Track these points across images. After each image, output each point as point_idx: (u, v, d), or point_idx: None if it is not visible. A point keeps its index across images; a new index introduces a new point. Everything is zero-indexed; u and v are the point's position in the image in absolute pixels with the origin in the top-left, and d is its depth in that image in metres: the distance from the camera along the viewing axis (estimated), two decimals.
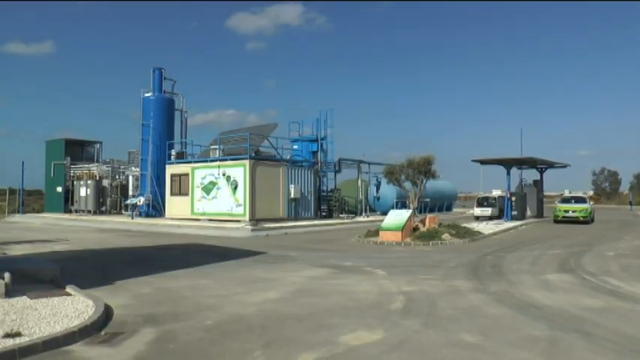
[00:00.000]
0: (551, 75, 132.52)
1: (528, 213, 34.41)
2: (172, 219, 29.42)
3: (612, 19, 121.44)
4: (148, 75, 34.68)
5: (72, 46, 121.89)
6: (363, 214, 37.22)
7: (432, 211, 41.03)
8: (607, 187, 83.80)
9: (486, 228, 24.62)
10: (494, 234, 22.73)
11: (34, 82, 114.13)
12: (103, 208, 36.62)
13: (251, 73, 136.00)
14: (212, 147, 30.86)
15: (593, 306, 8.39)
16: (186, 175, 29.83)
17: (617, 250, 16.70)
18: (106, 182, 37.00)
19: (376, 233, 19.95)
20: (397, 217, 19.91)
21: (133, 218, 30.48)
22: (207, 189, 28.49)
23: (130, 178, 36.60)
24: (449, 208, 46.78)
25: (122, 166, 39.76)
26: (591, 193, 76.04)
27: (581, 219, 29.93)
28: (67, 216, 35.31)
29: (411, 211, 20.42)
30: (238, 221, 26.05)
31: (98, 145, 41.86)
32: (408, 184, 23.00)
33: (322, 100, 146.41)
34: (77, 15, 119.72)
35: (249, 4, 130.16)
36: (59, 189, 38.79)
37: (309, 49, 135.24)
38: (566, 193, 37.54)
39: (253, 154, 27.92)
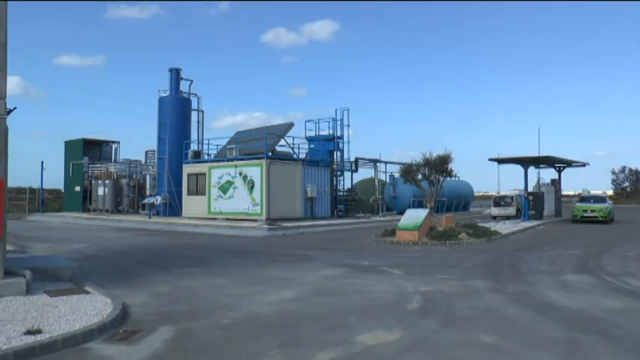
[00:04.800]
0: (568, 75, 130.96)
1: (546, 213, 34.06)
2: (189, 218, 29.64)
3: (628, 17, 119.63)
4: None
5: (118, 58, 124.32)
6: (380, 213, 37.16)
7: (448, 210, 40.88)
8: (627, 187, 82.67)
9: (504, 228, 24.44)
10: (512, 234, 22.55)
11: (64, 86, 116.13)
12: (121, 208, 37.00)
13: (282, 83, 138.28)
14: (229, 146, 31.02)
15: (613, 307, 8.28)
16: (203, 174, 30.02)
17: (638, 250, 16.46)
18: (123, 181, 37.36)
19: (393, 233, 19.89)
20: (414, 216, 19.82)
21: (150, 217, 30.74)
22: (224, 188, 28.63)
23: (147, 177, 36.90)
24: (466, 208, 46.54)
25: (139, 166, 40.09)
26: (610, 192, 75.23)
27: (601, 219, 29.56)
28: (85, 215, 35.72)
29: (427, 210, 20.31)
30: (255, 220, 26.16)
31: (116, 145, 42.39)
32: (424, 184, 22.91)
33: (344, 102, 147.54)
34: (124, 29, 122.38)
35: (286, 20, 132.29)
36: (77, 188, 39.29)
37: (338, 58, 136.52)
38: (585, 193, 37.14)
39: (270, 154, 27.99)
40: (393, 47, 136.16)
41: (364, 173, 41.57)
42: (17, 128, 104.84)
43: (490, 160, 33.25)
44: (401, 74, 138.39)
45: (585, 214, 30.06)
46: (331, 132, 32.72)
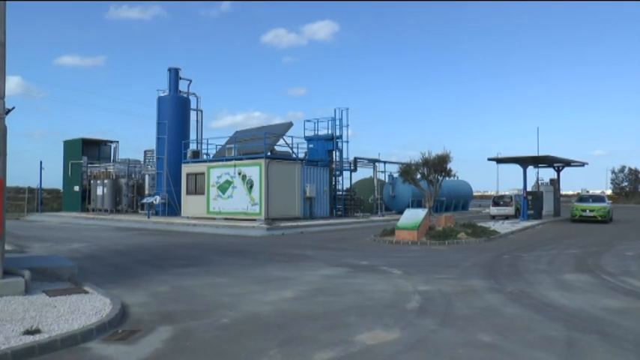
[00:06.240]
0: (567, 75, 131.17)
1: (545, 212, 34.08)
2: (188, 218, 29.63)
3: (628, 17, 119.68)
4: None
5: (118, 58, 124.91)
6: (379, 213, 37.18)
7: (447, 210, 40.93)
8: (626, 186, 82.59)
9: (503, 227, 24.45)
10: (511, 233, 22.57)
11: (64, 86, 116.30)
12: (120, 207, 36.94)
13: (282, 83, 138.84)
14: (228, 146, 31.01)
15: (612, 306, 8.29)
16: (202, 174, 30.00)
17: (636, 250, 16.47)
18: (122, 181, 37.32)
19: (392, 232, 19.89)
20: (413, 216, 19.83)
21: (149, 217, 30.70)
22: (223, 188, 28.62)
23: (146, 177, 36.84)
24: (465, 207, 46.59)
25: (138, 165, 40.06)
26: (609, 192, 75.22)
27: (600, 218, 29.55)
28: (84, 215, 35.68)
29: (426, 210, 20.33)
30: (254, 220, 26.15)
31: (115, 145, 42.36)
32: (423, 183, 22.92)
33: (344, 102, 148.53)
34: (125, 29, 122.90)
35: (287, 21, 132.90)
36: (76, 188, 39.25)
37: (338, 58, 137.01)
38: (584, 192, 37.17)
39: (269, 153, 27.99)
40: (392, 47, 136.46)
41: (363, 173, 41.61)
42: (17, 128, 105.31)
43: (489, 159, 33.37)
44: (400, 74, 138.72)
45: (584, 214, 30.03)
46: (330, 132, 32.69)
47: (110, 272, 11.92)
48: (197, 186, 30.46)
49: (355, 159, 36.94)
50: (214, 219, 28.07)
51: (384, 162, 41.11)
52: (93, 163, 39.98)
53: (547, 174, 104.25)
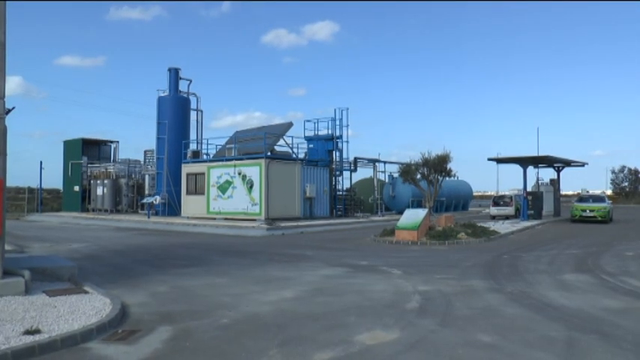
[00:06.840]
0: (567, 75, 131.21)
1: (545, 212, 34.07)
2: (188, 218, 29.63)
3: (628, 17, 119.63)
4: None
5: (119, 58, 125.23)
6: (379, 213, 37.18)
7: (447, 210, 40.93)
8: (626, 186, 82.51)
9: (503, 227, 24.45)
10: (511, 233, 22.56)
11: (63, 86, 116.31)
12: (120, 207, 36.94)
13: (282, 83, 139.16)
14: (228, 146, 31.02)
15: (611, 307, 8.29)
16: (202, 174, 30.01)
17: (636, 250, 16.46)
18: (122, 181, 37.31)
19: (392, 232, 19.89)
20: (413, 216, 19.83)
21: (149, 217, 30.69)
22: (223, 188, 28.62)
23: (146, 177, 36.84)
24: (465, 207, 46.59)
25: (138, 165, 40.06)
26: (609, 192, 75.17)
27: (600, 218, 29.53)
28: (84, 215, 35.68)
29: (426, 210, 20.31)
30: (254, 220, 26.15)
31: (115, 145, 42.35)
32: (423, 183, 22.93)
33: (344, 102, 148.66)
34: (126, 30, 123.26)
35: (287, 21, 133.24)
36: (76, 188, 39.25)
37: (338, 59, 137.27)
38: (584, 192, 37.17)
39: (269, 153, 27.99)
40: (392, 47, 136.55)
41: (363, 173, 41.66)
42: (17, 128, 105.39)
43: (489, 159, 33.40)
44: (400, 74, 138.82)
45: (584, 214, 30.01)
46: (330, 132, 32.69)
47: (110, 272, 11.92)
48: (197, 186, 30.47)
49: (355, 159, 36.96)
50: (214, 219, 28.07)
51: (384, 162, 41.16)
52: (93, 163, 39.99)
53: (547, 174, 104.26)
